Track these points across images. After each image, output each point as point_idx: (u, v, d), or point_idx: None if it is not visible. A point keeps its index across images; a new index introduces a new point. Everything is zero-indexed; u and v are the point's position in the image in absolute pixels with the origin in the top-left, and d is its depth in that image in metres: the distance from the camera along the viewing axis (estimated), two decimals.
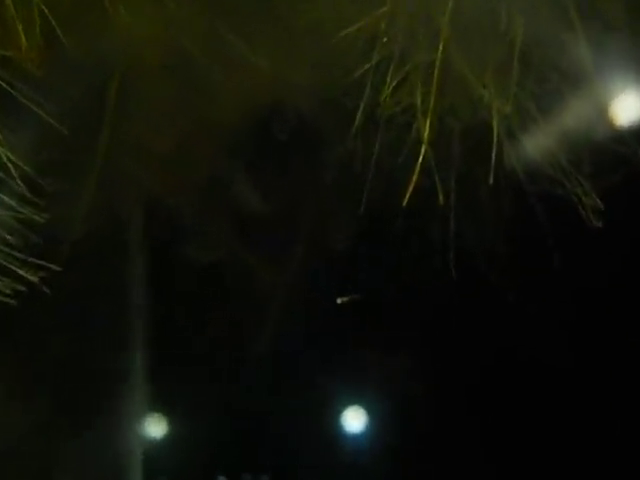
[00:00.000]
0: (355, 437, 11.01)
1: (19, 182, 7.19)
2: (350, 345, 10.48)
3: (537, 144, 7.95)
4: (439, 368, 10.71)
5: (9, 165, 7.13)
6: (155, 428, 10.62)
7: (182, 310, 9.53)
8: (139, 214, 8.89)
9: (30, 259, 7.34)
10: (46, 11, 7.02)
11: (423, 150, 7.28)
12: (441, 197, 7.57)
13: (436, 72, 7.42)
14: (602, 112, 7.86)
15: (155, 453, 10.45)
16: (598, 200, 7.85)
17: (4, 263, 7.32)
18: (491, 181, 7.49)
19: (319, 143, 8.47)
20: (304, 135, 8.49)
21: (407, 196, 7.20)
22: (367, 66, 7.65)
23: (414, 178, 7.23)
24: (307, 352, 10.26)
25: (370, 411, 11.04)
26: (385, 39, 7.48)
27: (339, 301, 10.49)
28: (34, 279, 7.35)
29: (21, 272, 7.34)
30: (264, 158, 8.75)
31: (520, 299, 9.29)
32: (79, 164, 8.27)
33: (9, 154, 7.12)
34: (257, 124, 8.50)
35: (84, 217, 8.38)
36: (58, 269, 7.48)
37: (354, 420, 11.00)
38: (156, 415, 10.57)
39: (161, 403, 10.30)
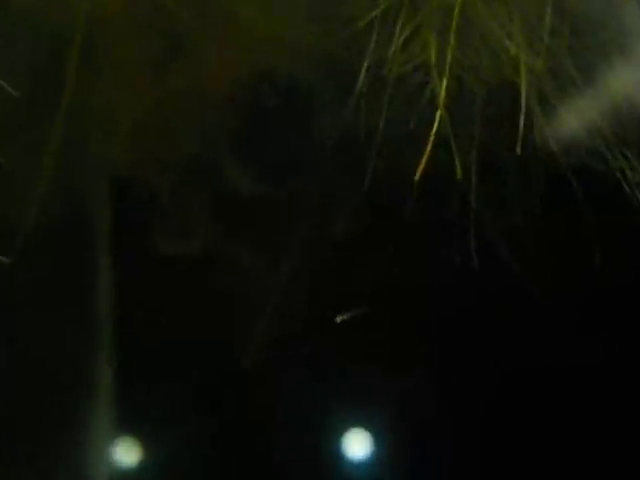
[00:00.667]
0: (358, 464, 9.93)
1: None
2: (353, 357, 9.45)
3: (574, 109, 6.82)
4: (456, 385, 9.73)
5: None
6: (126, 454, 9.46)
7: (157, 313, 8.33)
8: (106, 197, 7.68)
9: None
10: None
11: (438, 116, 6.31)
12: (459, 171, 6.45)
13: (454, 22, 6.39)
14: None
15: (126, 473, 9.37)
16: None
17: None
18: (519, 152, 6.32)
19: (316, 111, 7.33)
20: (299, 102, 7.36)
21: (419, 170, 6.13)
22: (372, 15, 6.59)
23: (428, 149, 6.21)
24: (303, 365, 9.22)
25: (375, 434, 9.93)
26: None
27: (338, 320, 9.42)
28: None
29: None
30: (253, 130, 7.59)
31: (552, 299, 8.09)
32: (34, 135, 7.10)
33: None
34: (245, 89, 7.36)
35: (40, 200, 7.14)
36: (7, 262, 6.52)
37: (357, 444, 9.89)
38: (127, 439, 9.42)
39: (132, 425, 9.12)
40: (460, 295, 8.85)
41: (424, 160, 6.24)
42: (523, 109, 6.42)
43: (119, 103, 7.29)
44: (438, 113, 6.38)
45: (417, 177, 6.26)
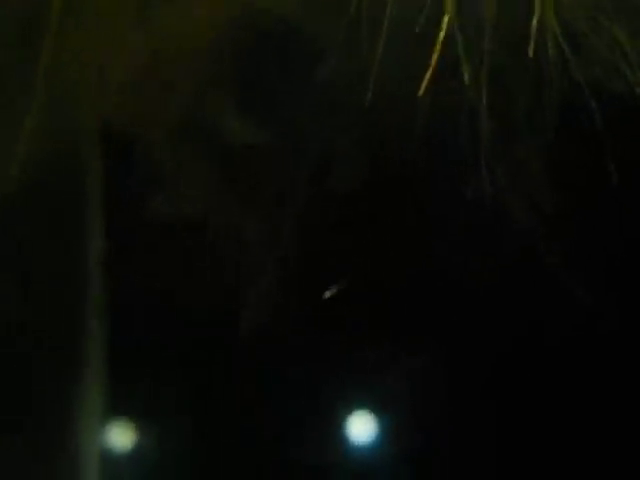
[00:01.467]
0: (362, 447, 9.51)
1: None
2: (357, 335, 9.02)
3: (589, 12, 6.19)
4: (464, 365, 9.33)
5: None
6: (120, 437, 9.04)
7: (150, 282, 7.84)
8: (95, 154, 7.21)
9: None
10: None
11: (446, 21, 5.67)
12: (466, 77, 5.87)
13: None
14: None
15: (121, 467, 8.90)
16: None
17: None
18: (531, 54, 5.76)
19: (315, 57, 6.85)
20: (296, 47, 6.88)
21: (424, 84, 5.59)
22: None
23: (433, 60, 5.63)
24: (305, 341, 8.79)
25: (380, 416, 9.53)
26: None
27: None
28: None
29: None
30: (249, 77, 7.12)
31: (568, 258, 7.61)
32: (15, 86, 6.64)
33: None
34: (239, 35, 6.89)
35: (23, 157, 6.67)
36: None
37: (361, 427, 9.49)
38: (120, 421, 8.97)
39: (125, 405, 8.64)
40: (469, 268, 8.45)
41: (429, 72, 5.68)
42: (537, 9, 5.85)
43: (108, 51, 6.84)
44: (445, 17, 5.72)
45: (421, 91, 5.73)
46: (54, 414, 7.41)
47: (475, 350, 9.28)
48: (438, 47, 5.51)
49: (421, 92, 5.57)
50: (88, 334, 7.52)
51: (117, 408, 8.29)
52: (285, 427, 9.11)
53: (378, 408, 9.51)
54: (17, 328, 7.13)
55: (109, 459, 8.65)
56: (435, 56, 5.51)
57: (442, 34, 5.53)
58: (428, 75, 5.53)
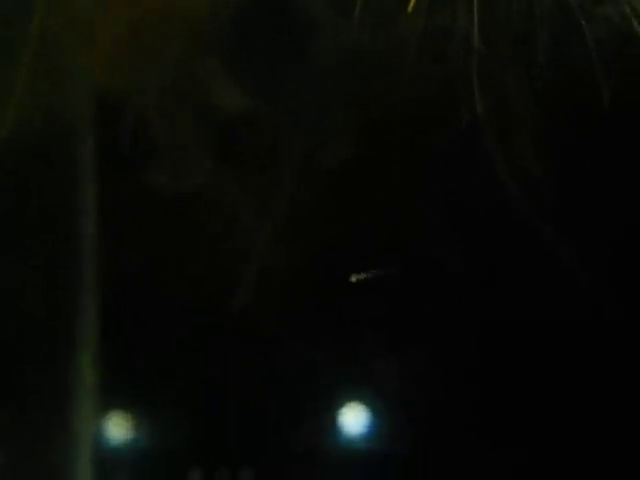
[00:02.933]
0: (354, 439, 9.29)
1: None
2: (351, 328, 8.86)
3: None
4: (455, 360, 9.18)
5: None
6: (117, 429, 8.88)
7: (142, 256, 7.68)
8: (88, 120, 7.08)
9: None
10: None
11: None
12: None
13: None
14: None
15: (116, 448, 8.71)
16: None
17: None
18: None
19: (309, 26, 6.76)
20: (290, 15, 6.79)
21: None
22: None
23: None
24: (298, 331, 8.59)
25: (373, 409, 9.36)
26: None
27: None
28: None
29: None
30: (241, 45, 7.02)
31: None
32: (5, 49, 6.55)
33: None
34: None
35: (12, 121, 6.56)
36: None
37: (354, 418, 9.31)
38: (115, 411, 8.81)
39: (116, 391, 8.42)
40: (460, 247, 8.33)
41: None
42: None
43: (101, 14, 6.75)
44: None
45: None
46: (48, 395, 7.22)
47: (468, 341, 9.15)
48: None
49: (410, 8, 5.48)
50: (82, 312, 7.34)
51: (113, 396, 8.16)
52: (279, 418, 8.93)
53: (370, 400, 9.35)
54: (10, 307, 6.96)
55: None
56: None
57: None
58: None
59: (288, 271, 7.97)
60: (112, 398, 8.03)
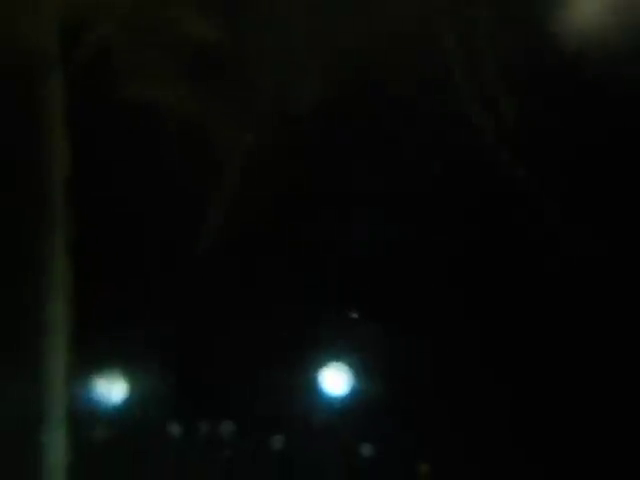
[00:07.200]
0: (335, 400, 9.04)
1: None
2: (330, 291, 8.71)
3: None
4: (439, 324, 9.00)
5: None
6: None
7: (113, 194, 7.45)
8: (55, 49, 6.87)
9: None
10: None
11: None
12: None
13: None
14: None
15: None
16: None
17: None
18: None
19: None
20: None
21: None
22: None
23: None
24: (279, 290, 8.40)
25: (355, 370, 9.22)
26: None
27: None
28: None
29: None
30: None
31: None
32: None
33: None
34: None
35: None
36: None
37: (335, 379, 9.03)
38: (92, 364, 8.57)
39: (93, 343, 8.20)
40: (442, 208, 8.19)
41: None
42: None
43: None
44: None
45: None
46: (18, 347, 6.93)
47: (448, 303, 8.97)
48: None
49: None
50: (52, 254, 7.06)
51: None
52: (258, 379, 8.70)
53: (352, 361, 9.13)
54: None
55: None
56: None
57: None
58: None
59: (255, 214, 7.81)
60: (88, 351, 7.79)
